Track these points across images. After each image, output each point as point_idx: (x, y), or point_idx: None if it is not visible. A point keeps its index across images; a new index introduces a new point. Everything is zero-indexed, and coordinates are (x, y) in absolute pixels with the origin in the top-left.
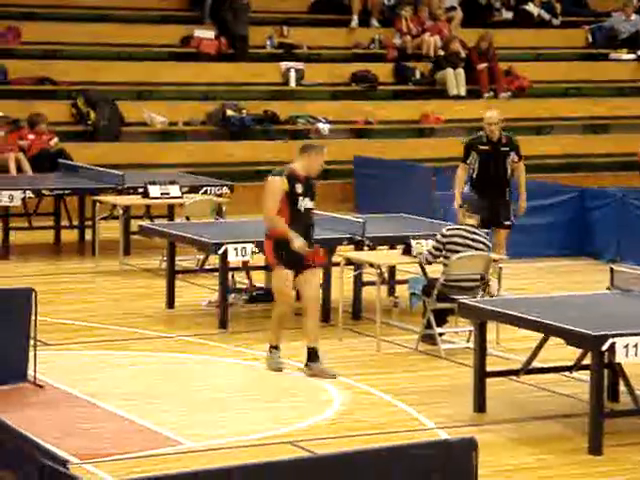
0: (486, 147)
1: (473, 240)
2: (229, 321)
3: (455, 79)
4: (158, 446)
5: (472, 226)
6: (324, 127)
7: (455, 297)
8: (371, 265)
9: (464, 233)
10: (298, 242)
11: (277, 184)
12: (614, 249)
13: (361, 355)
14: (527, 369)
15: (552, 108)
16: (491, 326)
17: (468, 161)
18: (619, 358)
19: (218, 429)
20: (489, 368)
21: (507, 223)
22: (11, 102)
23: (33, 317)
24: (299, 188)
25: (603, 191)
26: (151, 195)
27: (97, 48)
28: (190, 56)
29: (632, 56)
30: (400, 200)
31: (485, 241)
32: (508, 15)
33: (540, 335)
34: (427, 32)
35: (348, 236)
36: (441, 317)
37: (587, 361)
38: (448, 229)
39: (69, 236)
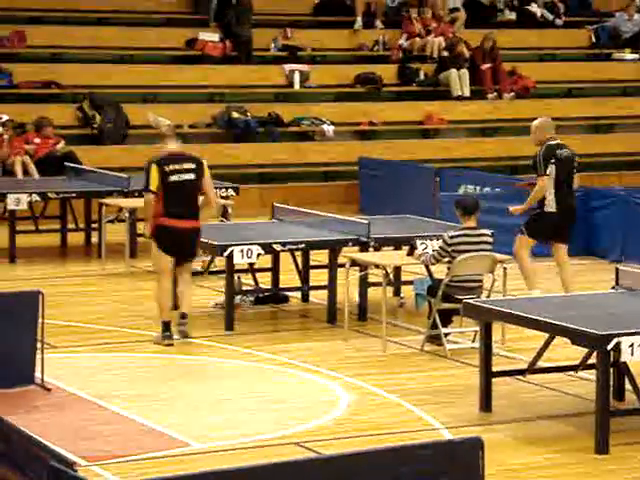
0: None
1: (478, 242)
2: (235, 323)
3: (459, 80)
4: (165, 448)
5: (473, 228)
6: (329, 129)
7: (460, 297)
8: (376, 266)
9: (468, 239)
10: None
11: None
12: (619, 248)
13: (367, 356)
14: (533, 369)
15: (556, 108)
16: (497, 326)
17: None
18: (625, 357)
19: (225, 430)
20: (495, 368)
21: (522, 229)
22: (17, 106)
23: (40, 320)
24: None
25: (608, 191)
26: None
27: (102, 51)
28: (195, 59)
29: (635, 56)
30: (404, 201)
31: (489, 239)
32: (511, 16)
33: (546, 335)
34: (431, 33)
35: (353, 237)
36: (446, 317)
37: (593, 360)
38: (451, 236)
39: (75, 239)
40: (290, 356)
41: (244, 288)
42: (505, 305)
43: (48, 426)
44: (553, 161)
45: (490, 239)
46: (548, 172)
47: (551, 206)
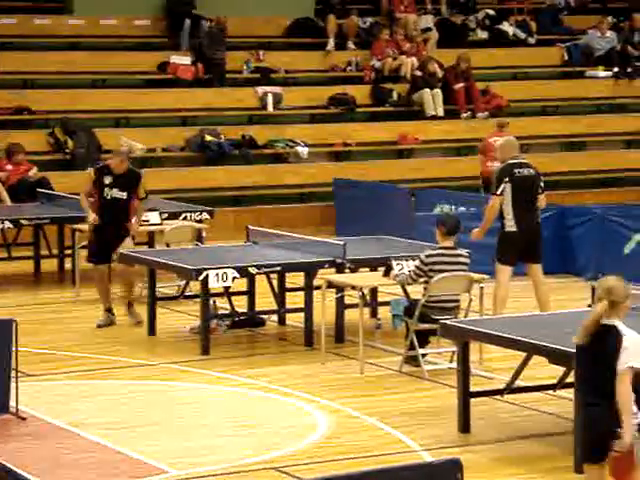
0: None
1: (454, 262)
2: (211, 347)
3: (432, 99)
4: (143, 475)
5: (450, 248)
6: (303, 151)
7: (437, 317)
8: (353, 287)
9: (444, 259)
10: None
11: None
12: (595, 266)
13: (345, 378)
14: (511, 388)
15: (529, 127)
16: (474, 346)
17: None
18: None
19: (203, 456)
20: (473, 388)
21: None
22: None
23: (14, 348)
24: (107, 180)
25: (583, 208)
26: None
27: (73, 76)
28: (167, 82)
29: (608, 73)
30: (380, 221)
31: (465, 260)
32: (484, 35)
33: (523, 354)
34: (403, 53)
35: (329, 259)
36: (423, 338)
37: (570, 379)
38: (427, 255)
39: (49, 266)
40: (267, 380)
41: (220, 312)
42: (482, 325)
43: (24, 455)
44: (507, 180)
45: (466, 259)
46: (500, 191)
47: (510, 225)
